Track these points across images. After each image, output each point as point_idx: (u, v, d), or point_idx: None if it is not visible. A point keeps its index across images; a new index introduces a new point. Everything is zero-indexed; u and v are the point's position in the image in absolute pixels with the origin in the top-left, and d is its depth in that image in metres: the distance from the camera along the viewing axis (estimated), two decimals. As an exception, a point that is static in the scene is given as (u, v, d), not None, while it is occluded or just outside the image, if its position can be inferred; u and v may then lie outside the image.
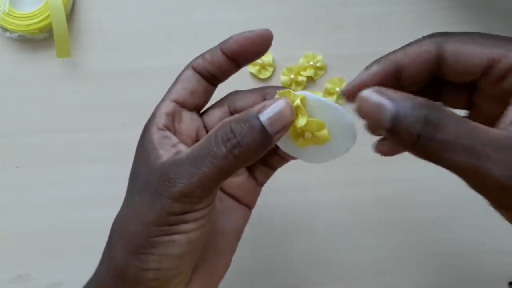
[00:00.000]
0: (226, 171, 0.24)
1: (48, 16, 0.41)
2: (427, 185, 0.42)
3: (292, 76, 0.42)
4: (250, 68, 0.42)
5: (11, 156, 0.42)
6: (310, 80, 0.43)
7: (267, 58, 0.42)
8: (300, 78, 0.43)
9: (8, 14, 0.41)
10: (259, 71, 0.43)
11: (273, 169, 0.31)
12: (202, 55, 0.27)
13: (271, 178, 0.42)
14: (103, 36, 0.43)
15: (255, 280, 0.42)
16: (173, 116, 0.27)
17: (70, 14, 0.43)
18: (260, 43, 0.26)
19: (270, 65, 0.42)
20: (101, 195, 0.42)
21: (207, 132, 0.29)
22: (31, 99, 0.42)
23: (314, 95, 0.25)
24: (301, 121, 0.25)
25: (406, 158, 0.43)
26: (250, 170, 0.31)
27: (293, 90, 0.26)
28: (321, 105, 0.25)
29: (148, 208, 0.24)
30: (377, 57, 0.41)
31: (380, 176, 0.42)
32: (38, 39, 0.42)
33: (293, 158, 0.29)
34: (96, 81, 0.43)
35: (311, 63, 0.42)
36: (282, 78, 0.43)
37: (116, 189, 0.41)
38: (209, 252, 0.28)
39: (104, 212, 0.41)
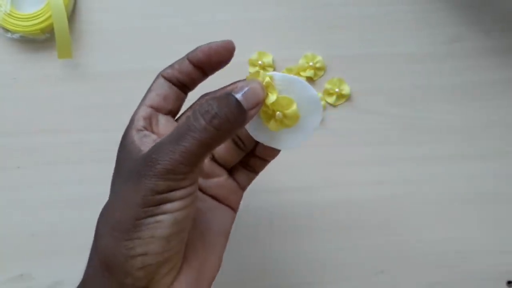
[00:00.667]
0: (208, 144, 0.24)
1: (50, 17, 0.41)
2: (425, 184, 0.43)
3: (292, 76, 0.43)
4: (250, 69, 0.43)
5: (13, 156, 0.42)
6: (310, 80, 0.43)
7: (267, 58, 0.43)
8: (300, 79, 0.43)
9: (10, 14, 0.41)
10: (259, 71, 0.43)
11: (255, 172, 0.32)
12: (171, 65, 0.29)
13: (270, 178, 0.42)
14: (104, 37, 0.43)
15: (255, 280, 0.42)
16: (150, 120, 0.28)
17: (72, 15, 0.43)
18: (223, 53, 0.28)
19: (270, 66, 0.43)
20: (102, 195, 0.42)
21: None
22: (32, 99, 0.43)
23: (280, 74, 0.28)
24: (272, 98, 0.27)
25: (406, 159, 0.43)
26: (230, 172, 0.31)
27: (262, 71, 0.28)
28: (288, 82, 0.28)
29: (133, 191, 0.24)
30: (376, 57, 0.41)
31: (380, 176, 0.43)
32: (40, 40, 0.42)
33: (271, 157, 0.31)
34: (97, 81, 0.43)
35: (311, 63, 0.43)
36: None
37: (117, 189, 0.42)
38: (197, 246, 0.28)
39: (105, 211, 0.42)
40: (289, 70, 0.43)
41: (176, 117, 0.30)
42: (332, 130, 0.43)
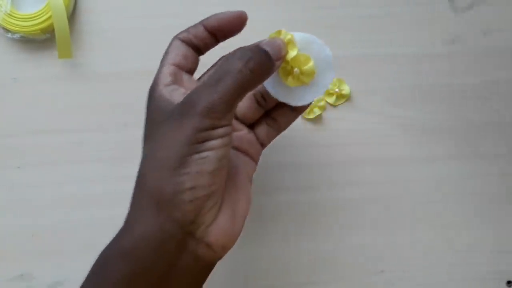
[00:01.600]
0: (243, 85, 0.27)
1: (50, 17, 0.41)
2: (426, 184, 0.43)
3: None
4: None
5: (13, 156, 0.42)
6: (310, 80, 0.43)
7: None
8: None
9: (10, 15, 0.41)
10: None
11: (275, 130, 0.34)
12: (186, 30, 0.31)
13: (270, 178, 0.43)
14: (105, 37, 0.43)
15: (255, 279, 0.42)
16: (175, 76, 0.30)
17: (72, 15, 0.43)
18: (235, 23, 0.31)
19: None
20: (102, 194, 0.42)
21: None
22: (32, 99, 0.43)
23: (300, 33, 0.31)
24: (292, 53, 0.30)
25: (406, 159, 0.43)
26: (252, 127, 0.34)
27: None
28: (306, 41, 0.31)
29: (177, 131, 0.26)
30: (376, 57, 0.42)
31: (380, 176, 0.43)
32: (40, 40, 0.42)
33: (292, 113, 0.34)
34: (97, 81, 0.43)
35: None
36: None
37: (117, 189, 0.42)
38: (230, 187, 0.30)
39: (105, 211, 0.42)
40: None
41: (198, 79, 0.33)
42: (332, 130, 0.43)
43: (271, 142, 0.41)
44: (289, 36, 0.30)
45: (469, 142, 0.43)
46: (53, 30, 0.41)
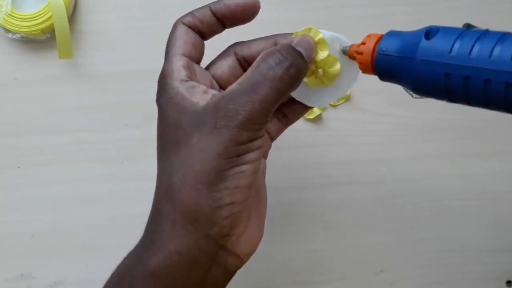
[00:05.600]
0: (283, 92, 0.25)
1: (50, 17, 0.41)
2: (425, 184, 0.43)
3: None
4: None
5: (13, 156, 0.42)
6: (310, 80, 0.43)
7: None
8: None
9: (10, 15, 0.41)
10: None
11: (285, 124, 0.32)
12: (190, 13, 0.29)
13: (270, 178, 0.42)
14: (105, 37, 0.43)
15: (254, 279, 0.42)
16: (189, 69, 0.27)
17: (72, 15, 0.43)
18: (248, 11, 0.28)
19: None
20: (102, 194, 0.42)
21: (217, 83, 0.30)
22: (33, 99, 0.43)
23: (329, 32, 0.29)
24: (323, 54, 0.28)
25: (406, 159, 0.43)
26: None
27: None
28: (334, 41, 0.29)
29: (212, 143, 0.24)
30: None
31: (380, 176, 0.43)
32: (40, 40, 0.42)
33: (304, 109, 0.31)
34: (97, 81, 0.43)
35: None
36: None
37: (117, 189, 0.42)
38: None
39: (105, 211, 0.42)
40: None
41: (205, 67, 0.30)
42: (332, 130, 0.43)
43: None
44: (320, 35, 0.28)
45: (469, 141, 0.43)
46: (53, 30, 0.41)
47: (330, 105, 0.43)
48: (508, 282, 0.40)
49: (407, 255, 0.42)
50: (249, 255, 0.28)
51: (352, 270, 0.42)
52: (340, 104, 0.43)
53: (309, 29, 0.28)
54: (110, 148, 0.43)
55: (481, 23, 0.44)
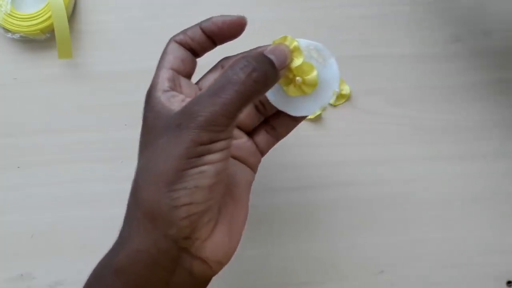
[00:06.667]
0: (246, 96, 0.26)
1: (50, 17, 0.41)
2: (425, 184, 0.43)
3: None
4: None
5: (13, 156, 0.42)
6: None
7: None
8: (300, 79, 0.43)
9: (10, 15, 0.41)
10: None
11: (275, 138, 0.33)
12: (183, 32, 0.30)
13: (270, 178, 0.43)
14: (105, 37, 0.43)
15: (255, 279, 0.42)
16: (174, 81, 0.29)
17: (72, 15, 0.43)
18: (235, 28, 0.30)
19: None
20: (102, 195, 0.42)
21: None
22: (32, 99, 0.43)
23: (305, 40, 0.30)
24: (297, 62, 0.29)
25: (406, 159, 0.43)
26: (250, 134, 0.32)
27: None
28: (311, 48, 0.30)
29: (174, 143, 0.25)
30: (376, 57, 0.42)
31: (380, 176, 0.43)
32: (40, 40, 0.42)
33: (292, 122, 0.32)
34: (97, 81, 0.43)
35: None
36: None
37: (117, 189, 0.42)
38: (227, 199, 0.29)
39: (105, 211, 0.42)
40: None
41: (196, 82, 0.32)
42: (332, 130, 0.43)
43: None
44: (295, 43, 0.29)
45: (469, 142, 0.43)
46: (53, 30, 0.41)
47: (330, 104, 0.43)
48: (509, 283, 0.40)
49: (407, 255, 0.42)
50: (220, 264, 0.27)
51: (352, 270, 0.42)
52: (340, 104, 0.43)
53: (285, 38, 0.29)
54: (110, 148, 0.42)
55: (481, 22, 0.45)
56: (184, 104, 0.27)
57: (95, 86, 0.43)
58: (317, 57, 0.30)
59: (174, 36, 0.30)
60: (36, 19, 0.41)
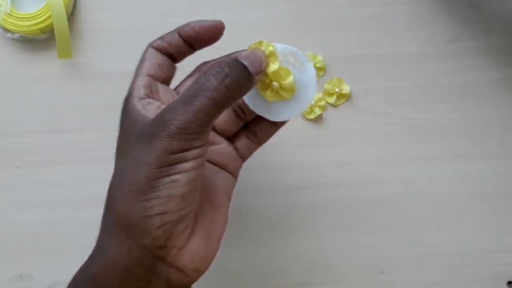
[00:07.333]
0: (219, 103, 0.25)
1: (50, 16, 0.41)
2: (425, 184, 0.43)
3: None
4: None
5: (12, 156, 0.42)
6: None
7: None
8: (300, 79, 0.43)
9: (10, 14, 0.41)
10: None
11: (256, 143, 0.32)
12: (161, 37, 0.30)
13: (270, 178, 0.42)
14: (104, 37, 0.43)
15: (255, 280, 0.42)
16: (150, 88, 0.29)
17: (71, 15, 0.43)
18: (213, 33, 0.30)
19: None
20: (102, 195, 0.41)
21: None
22: (32, 99, 0.43)
23: (281, 45, 0.29)
24: (273, 66, 0.28)
25: (406, 159, 0.43)
26: (231, 140, 0.32)
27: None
28: (287, 53, 0.29)
29: (146, 152, 0.25)
30: (376, 57, 0.42)
31: (380, 176, 0.43)
32: (40, 40, 0.42)
33: (272, 127, 0.32)
34: (97, 81, 0.43)
35: (312, 63, 0.43)
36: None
37: (116, 189, 0.42)
38: (205, 207, 0.28)
39: (105, 211, 0.42)
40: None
41: (175, 87, 0.31)
42: (332, 130, 0.43)
43: (271, 142, 0.40)
44: (270, 48, 0.29)
45: (469, 142, 0.43)
46: (52, 29, 0.41)
47: (331, 104, 0.43)
48: (509, 283, 0.40)
49: (407, 256, 0.42)
50: (197, 272, 0.27)
51: (352, 271, 0.42)
52: (340, 104, 0.43)
53: (260, 42, 0.29)
54: (110, 148, 0.42)
55: (481, 22, 0.45)
56: (158, 110, 0.27)
57: (95, 86, 0.43)
58: (294, 61, 0.30)
59: (152, 42, 0.30)
60: (35, 19, 0.41)
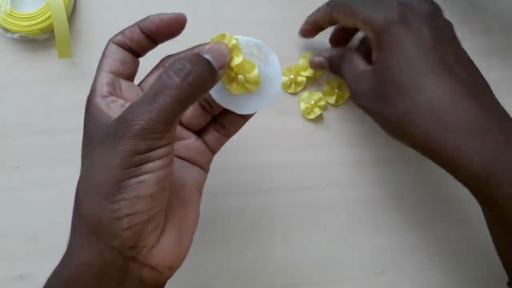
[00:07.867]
0: (183, 101, 0.25)
1: (50, 16, 0.41)
2: (426, 184, 0.43)
3: (291, 76, 0.43)
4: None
5: (12, 156, 0.42)
6: (310, 80, 0.43)
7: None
8: (299, 79, 0.43)
9: (10, 14, 0.41)
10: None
11: (225, 136, 0.32)
12: (121, 32, 0.29)
13: (270, 178, 0.42)
14: (105, 37, 0.42)
15: (255, 280, 0.42)
16: (113, 85, 0.28)
17: (71, 15, 0.43)
18: (174, 26, 0.29)
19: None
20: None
21: None
22: (32, 99, 0.42)
23: (245, 38, 0.29)
24: (237, 60, 0.28)
25: (406, 159, 0.43)
26: (200, 134, 0.32)
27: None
28: (251, 46, 0.29)
29: (111, 154, 0.24)
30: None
31: (379, 177, 0.43)
32: (40, 40, 0.42)
33: (241, 119, 0.31)
34: (97, 81, 0.43)
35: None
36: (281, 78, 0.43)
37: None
38: (175, 204, 0.28)
39: (105, 211, 0.42)
40: (289, 70, 0.43)
41: (139, 83, 0.31)
42: (332, 130, 0.43)
43: (270, 141, 0.40)
44: (233, 41, 0.28)
45: (469, 142, 0.43)
46: (52, 29, 0.41)
47: (331, 104, 0.43)
48: (509, 283, 0.40)
49: (407, 256, 0.42)
50: (170, 268, 0.27)
51: (352, 271, 0.42)
52: (341, 104, 0.43)
53: (223, 35, 0.28)
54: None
55: (480, 22, 0.45)
56: (122, 109, 0.26)
57: (95, 86, 0.43)
58: (258, 54, 0.29)
59: (113, 37, 0.29)
60: (35, 19, 0.41)
